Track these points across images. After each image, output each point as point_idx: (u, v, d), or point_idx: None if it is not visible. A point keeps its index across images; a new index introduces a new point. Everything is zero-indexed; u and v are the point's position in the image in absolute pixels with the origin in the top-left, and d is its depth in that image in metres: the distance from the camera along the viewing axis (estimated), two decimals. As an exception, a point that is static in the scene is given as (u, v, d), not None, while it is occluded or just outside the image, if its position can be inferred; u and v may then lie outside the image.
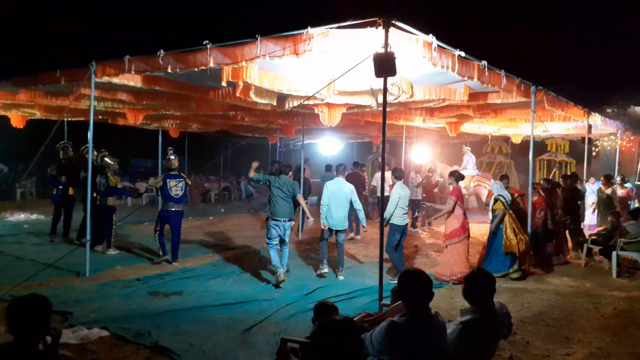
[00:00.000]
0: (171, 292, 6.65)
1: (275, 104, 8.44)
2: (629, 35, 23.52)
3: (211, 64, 6.10)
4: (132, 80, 7.71)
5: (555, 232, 9.17)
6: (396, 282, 3.18)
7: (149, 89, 8.23)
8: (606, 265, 8.64)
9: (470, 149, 15.28)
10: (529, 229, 8.22)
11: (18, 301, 2.59)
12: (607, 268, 8.55)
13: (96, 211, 8.95)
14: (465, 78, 6.74)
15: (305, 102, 8.28)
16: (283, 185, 7.26)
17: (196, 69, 6.31)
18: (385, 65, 5.00)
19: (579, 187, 10.70)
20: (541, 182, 10.08)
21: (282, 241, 7.37)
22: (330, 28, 5.38)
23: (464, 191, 12.48)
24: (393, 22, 5.09)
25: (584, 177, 12.51)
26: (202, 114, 11.98)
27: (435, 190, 13.70)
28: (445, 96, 8.16)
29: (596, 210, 12.04)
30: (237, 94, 7.41)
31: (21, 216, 13.35)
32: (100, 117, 12.79)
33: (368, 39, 5.27)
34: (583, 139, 12.24)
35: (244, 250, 9.63)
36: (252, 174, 7.47)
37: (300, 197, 7.49)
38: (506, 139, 18.69)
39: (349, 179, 8.92)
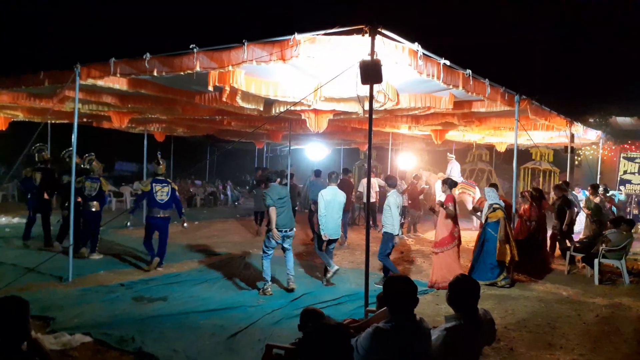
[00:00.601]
0: (156, 298, 6.58)
1: (262, 109, 8.44)
2: (613, 45, 23.98)
3: (198, 68, 6.07)
4: (118, 83, 7.64)
5: (544, 241, 9.28)
6: (382, 287, 3.19)
7: (134, 92, 8.18)
8: (588, 272, 8.76)
9: (454, 156, 15.43)
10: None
11: None
12: (589, 275, 8.67)
13: (83, 216, 8.86)
14: (450, 86, 6.80)
15: (292, 108, 8.29)
16: (277, 194, 7.09)
17: (182, 73, 6.28)
18: (371, 72, 5.03)
19: (569, 197, 10.82)
20: (530, 190, 10.16)
21: (284, 248, 7.25)
22: (317, 34, 5.40)
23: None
24: (379, 29, 5.13)
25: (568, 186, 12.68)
26: (188, 118, 11.92)
27: (421, 197, 13.78)
28: (430, 104, 8.23)
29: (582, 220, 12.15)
30: (224, 99, 7.40)
31: (2, 219, 13.14)
32: (84, 119, 12.67)
33: (355, 46, 5.30)
34: (566, 148, 12.42)
35: (229, 256, 9.57)
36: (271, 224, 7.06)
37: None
38: (490, 147, 18.90)
39: (340, 186, 8.92)
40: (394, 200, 7.59)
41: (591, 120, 15.43)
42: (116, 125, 12.23)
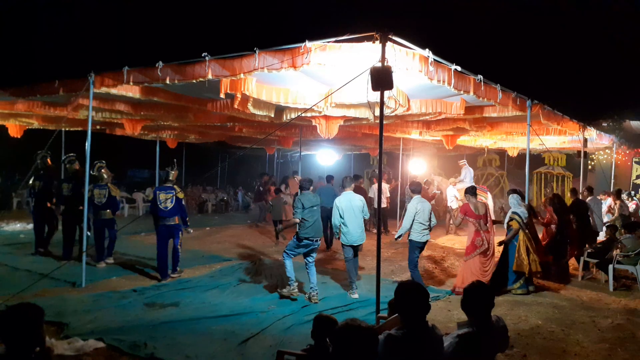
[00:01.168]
0: (167, 304, 6.62)
1: (273, 115, 8.49)
2: (627, 49, 23.76)
3: (210, 76, 6.15)
4: (131, 91, 7.76)
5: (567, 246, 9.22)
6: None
7: (147, 100, 8.28)
8: (603, 278, 8.65)
9: (466, 162, 15.34)
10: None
11: (10, 310, 2.58)
12: (603, 281, 8.57)
13: (95, 225, 8.93)
14: (462, 92, 6.80)
15: (303, 115, 8.32)
16: (310, 202, 6.96)
17: (194, 81, 6.36)
18: (382, 79, 5.04)
19: (587, 201, 10.68)
20: (551, 197, 9.97)
21: (307, 261, 7.11)
22: (328, 42, 5.44)
23: (459, 203, 12.54)
24: (390, 36, 5.14)
25: (580, 189, 12.54)
26: (200, 125, 12.04)
27: (432, 202, 13.73)
28: (441, 109, 8.22)
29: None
30: (235, 106, 7.46)
31: (17, 226, 13.31)
32: (98, 127, 12.84)
33: (365, 53, 5.33)
34: (579, 152, 12.31)
35: (241, 262, 9.60)
36: (296, 220, 6.98)
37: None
38: (502, 152, 18.80)
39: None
40: (414, 207, 7.37)
41: (604, 124, 15.27)
42: (129, 133, 12.38)
